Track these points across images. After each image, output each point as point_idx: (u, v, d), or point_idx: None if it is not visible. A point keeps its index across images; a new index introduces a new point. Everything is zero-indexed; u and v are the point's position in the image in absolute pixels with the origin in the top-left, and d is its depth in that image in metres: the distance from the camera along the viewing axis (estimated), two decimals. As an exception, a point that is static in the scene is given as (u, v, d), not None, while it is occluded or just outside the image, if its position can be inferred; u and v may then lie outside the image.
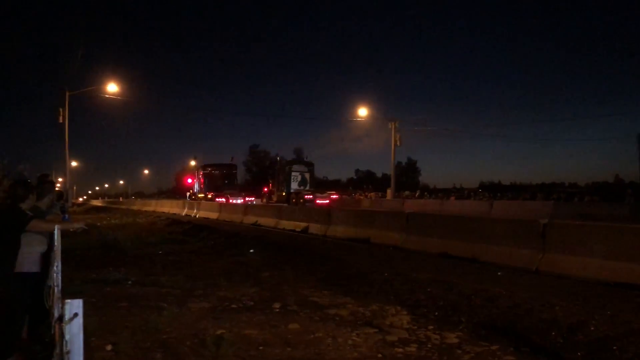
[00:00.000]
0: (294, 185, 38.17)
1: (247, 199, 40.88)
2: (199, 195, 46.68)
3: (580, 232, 8.94)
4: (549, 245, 9.02)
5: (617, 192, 45.90)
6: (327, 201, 35.71)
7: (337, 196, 39.84)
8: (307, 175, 39.40)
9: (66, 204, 13.49)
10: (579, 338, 5.22)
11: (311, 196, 36.12)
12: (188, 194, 52.15)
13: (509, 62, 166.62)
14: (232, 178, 49.63)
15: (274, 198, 39.88)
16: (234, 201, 36.09)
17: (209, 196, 44.16)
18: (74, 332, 1.22)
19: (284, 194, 38.21)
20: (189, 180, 54.28)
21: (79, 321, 1.22)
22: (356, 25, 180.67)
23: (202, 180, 48.15)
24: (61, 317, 1.21)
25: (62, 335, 1.22)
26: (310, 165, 40.98)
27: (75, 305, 1.24)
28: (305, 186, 38.56)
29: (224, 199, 37.52)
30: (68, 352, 1.15)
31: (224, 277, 9.33)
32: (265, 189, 44.06)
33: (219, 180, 47.96)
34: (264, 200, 41.51)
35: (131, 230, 20.79)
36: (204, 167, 50.14)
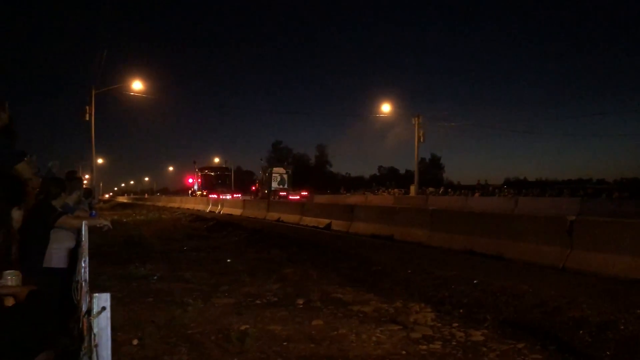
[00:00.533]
0: (274, 185, 46.66)
1: (234, 195, 49.16)
2: (197, 193, 54.01)
3: (609, 229, 8.76)
4: (576, 243, 8.86)
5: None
6: (298, 197, 42.99)
7: (306, 193, 47.95)
8: (285, 177, 47.86)
9: (93, 201, 13.75)
10: (608, 337, 5.11)
11: (285, 193, 45.39)
12: (190, 191, 58.97)
13: (536, 57, 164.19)
14: (224, 178, 58.32)
15: (259, 194, 48.44)
16: (224, 197, 41.74)
17: (204, 193, 51.16)
18: (102, 326, 1.23)
19: (266, 191, 46.17)
20: (190, 180, 61.58)
21: (106, 315, 1.24)
22: (381, 21, 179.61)
23: (199, 180, 56.27)
24: (89, 311, 1.22)
25: (90, 328, 1.23)
26: (288, 169, 50.71)
27: (103, 299, 1.26)
28: (284, 185, 47.17)
29: (216, 195, 43.20)
30: (96, 345, 1.17)
31: (247, 273, 9.39)
32: (253, 188, 54.27)
33: (214, 180, 56.43)
34: (252, 197, 48.80)
35: (156, 227, 21.06)
36: (201, 169, 58.29)
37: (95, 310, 1.21)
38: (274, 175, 47.41)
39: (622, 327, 5.26)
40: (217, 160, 72.66)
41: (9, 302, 1.34)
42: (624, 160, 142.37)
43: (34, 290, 1.51)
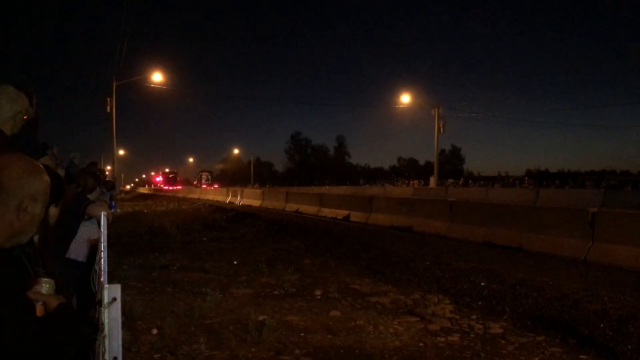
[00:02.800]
0: (203, 181, 77.47)
1: (177, 186, 75.73)
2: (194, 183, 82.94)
3: (632, 221, 8.61)
4: (598, 235, 8.73)
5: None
6: (217, 186, 70.04)
7: (217, 186, 70.38)
8: (209, 176, 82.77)
9: (114, 193, 13.89)
10: (630, 330, 5.03)
11: (205, 186, 68.52)
12: (194, 183, 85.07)
13: (560, 48, 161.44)
14: (174, 176, 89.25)
15: (197, 185, 73.24)
16: (203, 186, 66.52)
17: (165, 184, 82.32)
18: (112, 317, 1.24)
19: (196, 183, 77.09)
20: (157, 179, 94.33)
21: (117, 306, 1.24)
22: (402, 11, 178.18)
23: (162, 177, 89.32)
24: (100, 302, 1.23)
25: (102, 319, 1.24)
26: (210, 170, 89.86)
27: (114, 290, 1.26)
28: (208, 182, 77.72)
29: (168, 187, 73.32)
30: (104, 337, 1.18)
31: (266, 263, 9.43)
32: (195, 182, 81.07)
33: (168, 177, 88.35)
34: (193, 187, 71.59)
35: (176, 217, 21.25)
36: (163, 171, 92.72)
37: (106, 301, 1.21)
38: (203, 175, 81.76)
39: (644, 321, 5.17)
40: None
41: (40, 311, 1.35)
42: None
43: (64, 303, 1.51)
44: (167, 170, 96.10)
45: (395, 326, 5.65)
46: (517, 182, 45.86)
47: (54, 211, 2.43)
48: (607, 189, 29.75)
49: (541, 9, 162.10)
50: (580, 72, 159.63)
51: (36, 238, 2.35)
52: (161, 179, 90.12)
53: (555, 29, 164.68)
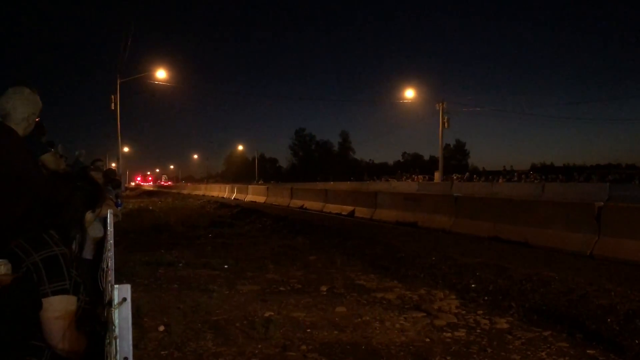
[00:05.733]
0: (163, 180, 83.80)
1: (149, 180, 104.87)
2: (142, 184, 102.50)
3: (637, 215, 8.57)
4: (605, 229, 8.70)
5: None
6: (170, 183, 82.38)
7: (170, 182, 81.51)
8: (167, 176, 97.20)
9: (119, 191, 13.93)
10: (637, 325, 5.02)
11: (164, 182, 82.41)
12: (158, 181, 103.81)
13: (565, 41, 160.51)
14: (147, 176, 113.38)
15: (155, 182, 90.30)
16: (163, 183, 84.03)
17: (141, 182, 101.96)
18: (123, 317, 1.24)
19: (159, 181, 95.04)
20: (137, 178, 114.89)
21: (127, 306, 1.24)
22: (405, 6, 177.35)
23: (141, 177, 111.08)
24: (110, 302, 1.23)
25: (111, 319, 1.25)
26: (166, 174, 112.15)
27: (124, 290, 1.26)
28: (166, 180, 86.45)
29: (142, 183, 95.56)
30: (116, 338, 1.18)
31: (272, 260, 9.44)
32: (159, 181, 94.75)
33: (144, 176, 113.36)
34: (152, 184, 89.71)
35: (182, 214, 21.29)
36: (143, 173, 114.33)
37: (116, 301, 1.21)
38: (163, 176, 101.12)
39: (652, 316, 5.16)
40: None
41: None
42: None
43: (18, 277, 1.77)
44: (148, 173, 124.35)
45: (401, 322, 5.65)
46: (522, 176, 45.69)
47: (90, 216, 2.48)
48: (613, 183, 29.60)
49: (545, 4, 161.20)
50: (586, 65, 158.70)
51: (74, 244, 2.38)
52: (140, 179, 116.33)
53: (561, 22, 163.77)
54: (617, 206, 9.30)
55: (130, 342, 1.21)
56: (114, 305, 1.20)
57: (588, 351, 4.76)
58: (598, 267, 7.71)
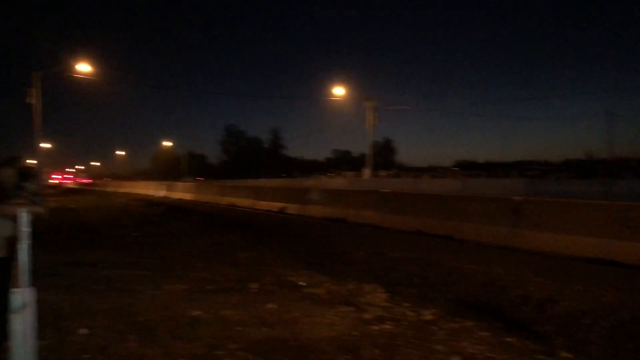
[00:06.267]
0: (82, 176, 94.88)
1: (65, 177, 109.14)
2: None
3: (552, 208, 9.08)
4: (523, 222, 9.15)
5: (589, 169, 46.81)
6: (91, 180, 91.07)
7: (90, 180, 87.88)
8: (85, 174, 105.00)
9: (36, 187, 13.22)
10: (550, 312, 5.33)
11: (84, 179, 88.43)
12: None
13: (485, 41, 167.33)
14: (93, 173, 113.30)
15: (75, 179, 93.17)
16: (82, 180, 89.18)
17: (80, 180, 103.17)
18: (25, 322, 1.16)
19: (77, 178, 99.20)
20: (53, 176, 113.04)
21: (30, 312, 1.17)
22: (337, 4, 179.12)
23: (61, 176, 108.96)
24: (9, 308, 1.16)
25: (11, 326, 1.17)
26: (85, 170, 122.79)
27: (26, 295, 1.19)
28: (84, 176, 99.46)
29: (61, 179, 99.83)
30: (8, 347, 1.10)
31: (200, 258, 9.27)
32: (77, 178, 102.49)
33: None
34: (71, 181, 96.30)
35: (106, 213, 20.52)
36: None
37: (15, 307, 1.13)
38: (82, 173, 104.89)
39: (564, 303, 5.50)
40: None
41: None
42: (567, 142, 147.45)
43: None
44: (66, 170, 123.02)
45: (330, 316, 5.69)
46: (447, 172, 47.29)
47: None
48: (530, 179, 31.20)
49: (468, 3, 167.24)
50: (508, 65, 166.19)
51: None
52: (60, 176, 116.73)
53: (482, 22, 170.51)
54: (532, 201, 9.80)
55: (33, 349, 1.13)
56: (14, 311, 1.12)
57: (507, 339, 4.99)
58: (517, 259, 8.10)
